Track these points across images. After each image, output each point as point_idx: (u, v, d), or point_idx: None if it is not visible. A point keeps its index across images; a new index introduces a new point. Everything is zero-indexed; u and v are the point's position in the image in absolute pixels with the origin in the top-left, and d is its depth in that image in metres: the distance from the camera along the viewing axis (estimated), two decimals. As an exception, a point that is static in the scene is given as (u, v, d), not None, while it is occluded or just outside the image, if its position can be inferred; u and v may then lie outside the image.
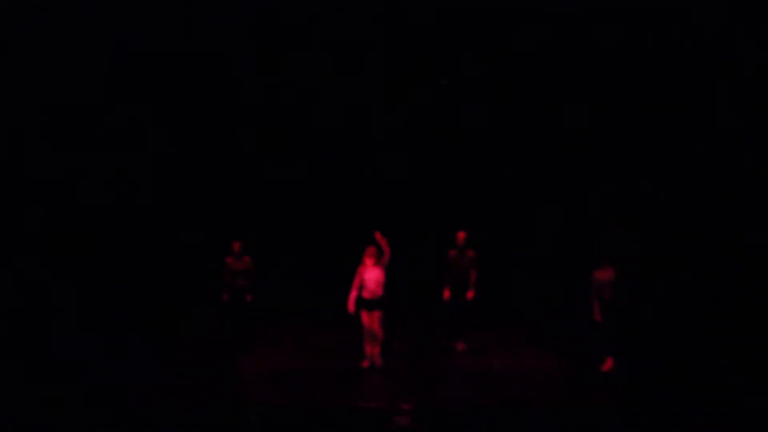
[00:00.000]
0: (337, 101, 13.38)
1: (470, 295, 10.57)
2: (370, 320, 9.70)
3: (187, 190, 13.39)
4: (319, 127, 13.55)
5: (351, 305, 9.72)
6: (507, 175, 13.57)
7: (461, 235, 10.69)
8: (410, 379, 9.48)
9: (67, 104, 12.16)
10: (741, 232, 11.42)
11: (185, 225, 13.25)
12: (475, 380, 9.42)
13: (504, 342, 11.30)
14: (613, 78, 12.62)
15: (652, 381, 9.04)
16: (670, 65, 12.24)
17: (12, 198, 11.79)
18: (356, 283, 9.73)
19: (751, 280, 10.95)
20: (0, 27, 11.51)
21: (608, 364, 9.60)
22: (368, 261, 9.66)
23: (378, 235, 9.72)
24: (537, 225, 13.43)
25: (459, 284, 10.67)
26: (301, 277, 13.20)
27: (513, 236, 13.36)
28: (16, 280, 11.45)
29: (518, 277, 13.07)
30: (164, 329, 11.65)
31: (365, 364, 9.83)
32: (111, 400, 8.42)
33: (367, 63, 13.08)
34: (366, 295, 9.70)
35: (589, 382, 9.33)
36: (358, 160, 13.70)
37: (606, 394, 8.86)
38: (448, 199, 13.46)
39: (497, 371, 9.81)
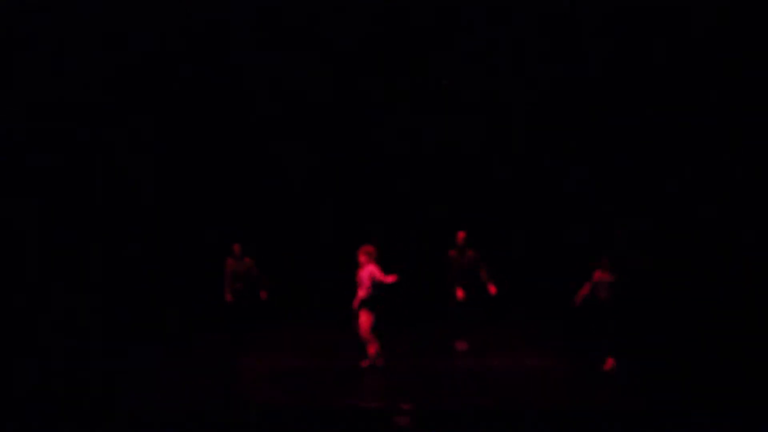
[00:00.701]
0: (337, 102, 13.38)
1: (493, 290, 10.51)
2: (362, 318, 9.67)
3: (187, 191, 13.39)
4: (319, 127, 13.55)
5: (355, 303, 9.71)
6: (507, 175, 13.56)
7: (461, 235, 10.69)
8: (410, 379, 9.46)
9: (67, 104, 12.16)
10: (741, 232, 11.42)
11: (185, 225, 13.24)
12: (475, 380, 9.40)
13: (504, 342, 11.30)
14: (613, 78, 12.62)
15: (652, 381, 9.04)
16: (670, 65, 12.24)
17: (12, 198, 11.79)
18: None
19: (751, 280, 10.95)
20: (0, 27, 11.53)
21: (608, 364, 9.59)
22: (360, 260, 9.64)
23: (394, 277, 9.44)
24: (537, 225, 13.43)
25: (459, 284, 10.66)
26: (301, 277, 13.20)
27: (513, 236, 13.35)
28: (16, 280, 11.45)
29: (518, 277, 13.07)
30: (165, 329, 11.65)
31: (365, 363, 9.82)
32: (111, 401, 8.41)
33: (367, 63, 13.09)
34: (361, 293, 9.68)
35: (589, 382, 9.32)
36: (358, 160, 13.70)
37: (606, 394, 8.85)
38: (448, 199, 13.45)
39: (497, 371, 9.80)
